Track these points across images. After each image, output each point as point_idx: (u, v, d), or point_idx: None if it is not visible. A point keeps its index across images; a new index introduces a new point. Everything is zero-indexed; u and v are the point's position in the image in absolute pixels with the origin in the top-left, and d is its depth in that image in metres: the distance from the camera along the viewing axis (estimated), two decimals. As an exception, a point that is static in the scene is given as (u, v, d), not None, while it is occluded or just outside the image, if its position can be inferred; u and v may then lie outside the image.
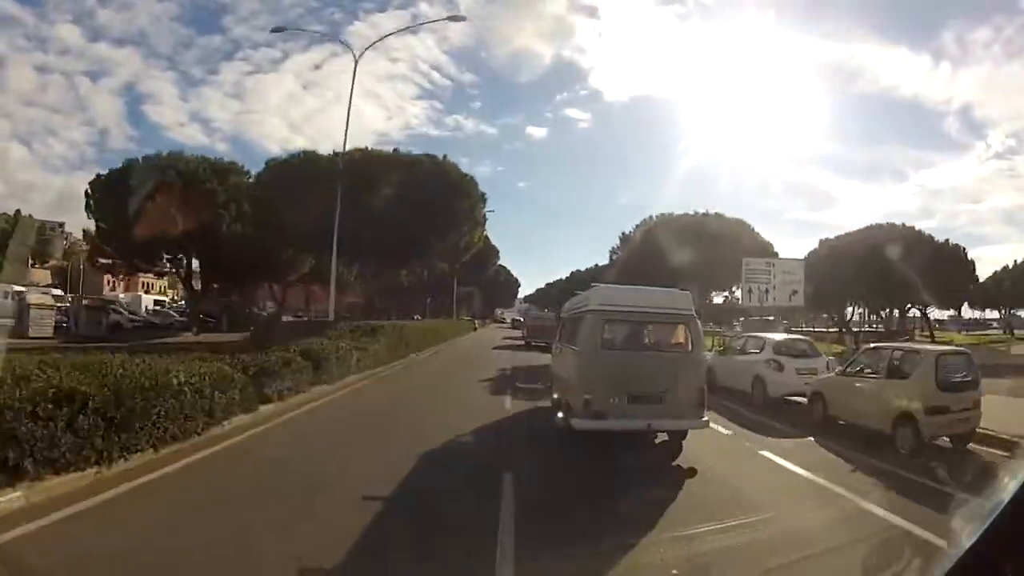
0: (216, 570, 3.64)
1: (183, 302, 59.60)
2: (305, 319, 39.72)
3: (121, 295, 50.50)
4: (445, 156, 27.37)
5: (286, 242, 27.89)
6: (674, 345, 7.82)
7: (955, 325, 58.07)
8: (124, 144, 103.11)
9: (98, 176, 29.63)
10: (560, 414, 8.52)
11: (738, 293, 34.21)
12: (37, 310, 24.19)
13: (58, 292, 45.59)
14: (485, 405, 10.88)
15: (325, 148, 30.41)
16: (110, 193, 27.07)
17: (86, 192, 29.04)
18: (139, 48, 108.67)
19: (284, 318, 35.76)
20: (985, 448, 7.91)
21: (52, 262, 66.04)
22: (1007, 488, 1.19)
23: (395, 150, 27.92)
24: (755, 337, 13.85)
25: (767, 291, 24.88)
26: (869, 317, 48.65)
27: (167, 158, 29.12)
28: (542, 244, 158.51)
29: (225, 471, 5.96)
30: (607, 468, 6.76)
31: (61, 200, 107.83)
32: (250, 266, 30.97)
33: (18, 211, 58.28)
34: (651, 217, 41.38)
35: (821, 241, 38.34)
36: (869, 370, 9.02)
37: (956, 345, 18.24)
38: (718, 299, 46.48)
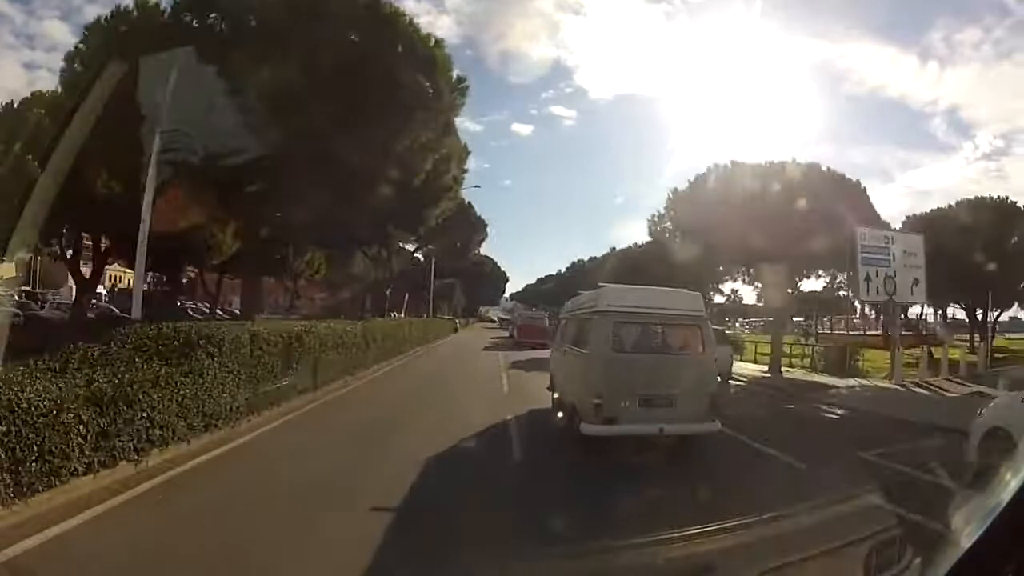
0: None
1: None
2: (194, 313, 32.42)
3: (101, 288, 49.55)
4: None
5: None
6: (685, 347, 7.74)
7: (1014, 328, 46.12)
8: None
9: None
10: (560, 414, 8.49)
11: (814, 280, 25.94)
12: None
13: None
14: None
15: None
16: None
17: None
18: None
19: (229, 312, 31.03)
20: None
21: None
22: (1007, 487, 1.19)
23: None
24: None
25: (887, 278, 17.67)
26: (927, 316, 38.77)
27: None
28: (528, 242, 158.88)
29: None
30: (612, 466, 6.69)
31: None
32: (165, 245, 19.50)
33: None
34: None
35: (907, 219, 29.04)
36: None
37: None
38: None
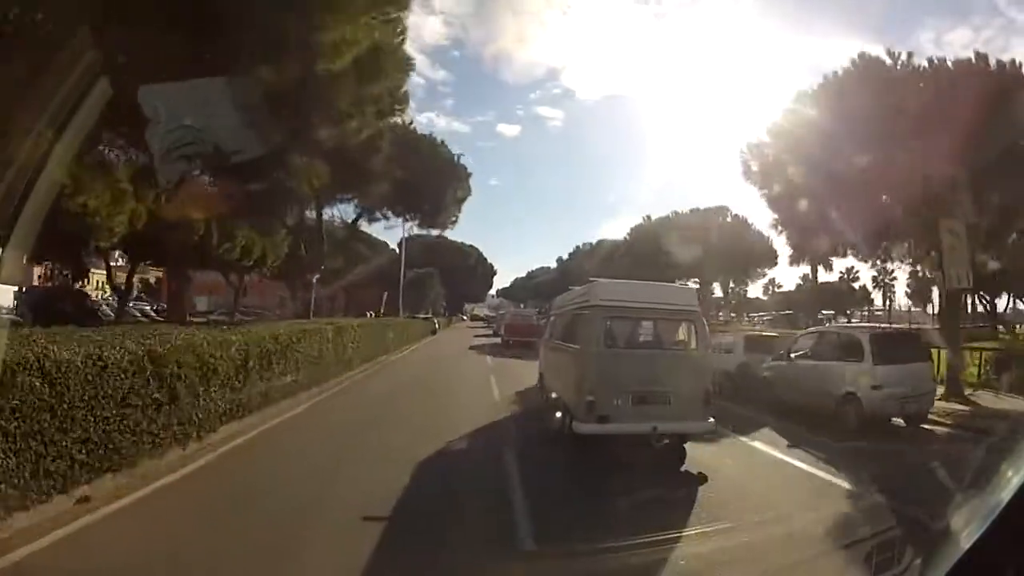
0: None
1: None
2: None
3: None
4: None
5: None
6: (678, 343, 7.57)
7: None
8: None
9: None
10: (559, 414, 8.39)
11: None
12: None
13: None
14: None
15: None
16: None
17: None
18: None
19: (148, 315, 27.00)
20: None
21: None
22: (1008, 487, 1.20)
23: None
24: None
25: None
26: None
27: None
28: (514, 240, 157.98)
29: None
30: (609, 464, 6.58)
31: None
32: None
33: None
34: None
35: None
36: None
37: None
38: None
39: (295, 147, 15.09)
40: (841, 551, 3.34)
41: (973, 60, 13.41)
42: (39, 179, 8.15)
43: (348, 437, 7.75)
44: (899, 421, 9.35)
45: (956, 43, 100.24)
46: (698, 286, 36.37)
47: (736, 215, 40.29)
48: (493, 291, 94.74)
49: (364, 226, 35.46)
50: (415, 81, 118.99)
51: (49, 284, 26.79)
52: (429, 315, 49.22)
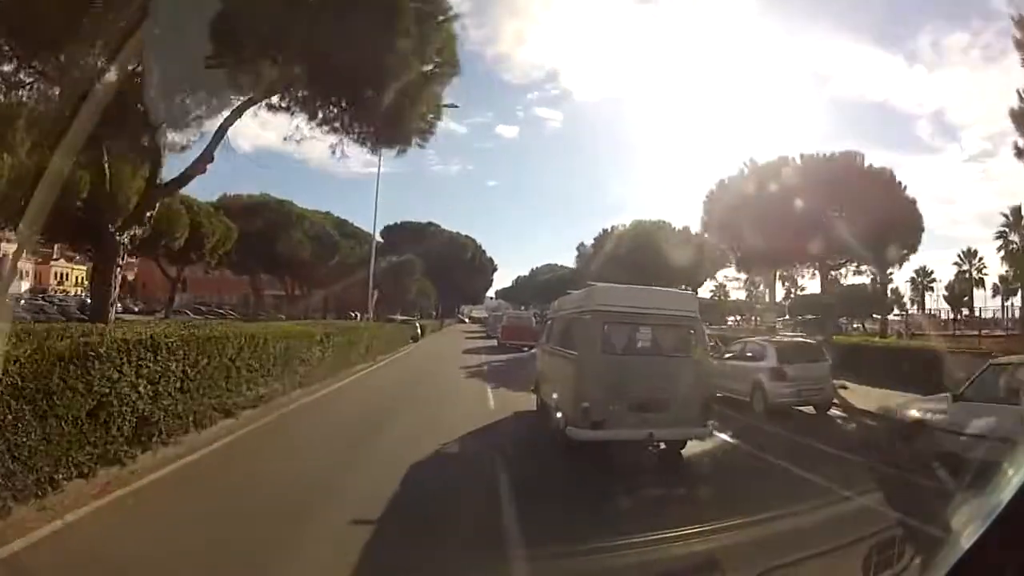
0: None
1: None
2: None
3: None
4: None
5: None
6: (676, 349, 7.47)
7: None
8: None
9: None
10: (559, 414, 8.39)
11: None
12: None
13: None
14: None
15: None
16: None
17: None
18: None
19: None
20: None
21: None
22: (1008, 486, 1.21)
23: None
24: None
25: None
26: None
27: None
28: (512, 242, 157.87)
29: None
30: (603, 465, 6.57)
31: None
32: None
33: None
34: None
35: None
36: None
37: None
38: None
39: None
40: (840, 550, 3.35)
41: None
42: None
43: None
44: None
45: (955, 47, 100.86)
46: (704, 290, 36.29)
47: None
48: (492, 292, 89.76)
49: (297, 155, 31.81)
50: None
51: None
52: (410, 317, 40.30)
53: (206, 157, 12.61)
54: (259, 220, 37.49)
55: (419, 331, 33.48)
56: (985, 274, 58.29)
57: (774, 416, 10.57)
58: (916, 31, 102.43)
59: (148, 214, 13.21)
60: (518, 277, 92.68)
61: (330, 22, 10.30)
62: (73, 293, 59.24)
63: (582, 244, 53.19)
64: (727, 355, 13.22)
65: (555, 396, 8.11)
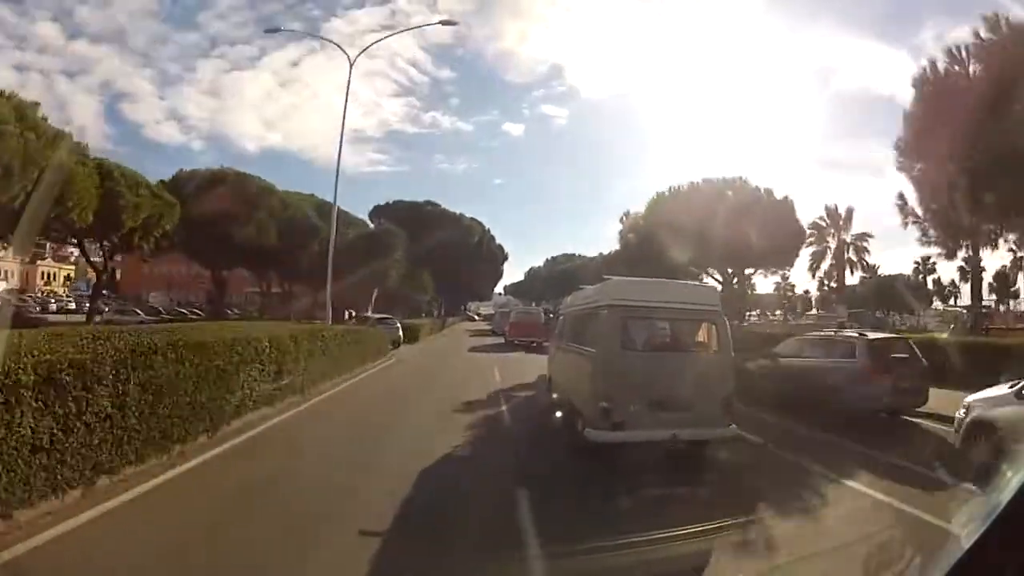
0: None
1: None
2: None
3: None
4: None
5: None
6: (698, 345, 7.23)
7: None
8: (101, 143, 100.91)
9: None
10: (559, 413, 8.15)
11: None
12: None
13: None
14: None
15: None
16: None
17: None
18: (117, 45, 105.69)
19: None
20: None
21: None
22: (1008, 487, 1.20)
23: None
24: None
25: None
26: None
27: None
28: (519, 240, 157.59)
29: None
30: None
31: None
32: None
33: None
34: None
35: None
36: None
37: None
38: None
39: None
40: (840, 550, 3.32)
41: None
42: None
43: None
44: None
45: (958, 41, 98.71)
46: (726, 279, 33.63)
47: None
48: (500, 288, 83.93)
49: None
50: (419, 80, 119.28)
51: None
52: (386, 316, 29.65)
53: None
54: (212, 197, 29.97)
55: (400, 336, 26.09)
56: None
57: (856, 424, 8.88)
58: (919, 26, 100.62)
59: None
60: (531, 269, 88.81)
61: None
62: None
63: (626, 213, 42.62)
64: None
65: (571, 396, 7.83)
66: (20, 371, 4.12)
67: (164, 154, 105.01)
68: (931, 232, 21.43)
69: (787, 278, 44.39)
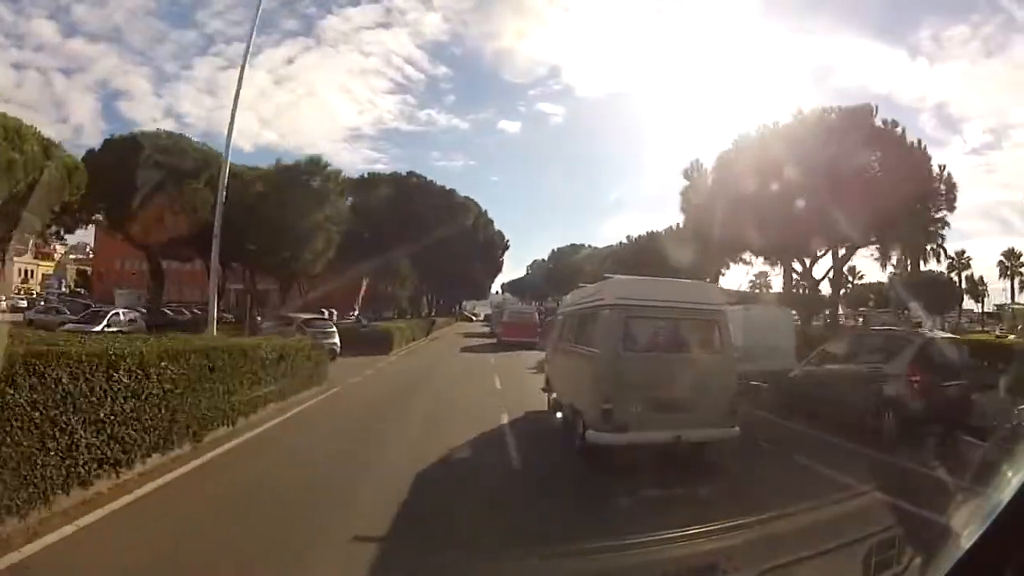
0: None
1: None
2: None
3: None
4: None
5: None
6: (702, 344, 7.09)
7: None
8: (98, 142, 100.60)
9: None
10: (559, 414, 8.09)
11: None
12: None
13: None
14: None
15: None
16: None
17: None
18: (114, 43, 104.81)
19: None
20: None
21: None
22: (1008, 487, 1.21)
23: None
24: None
25: None
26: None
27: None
28: (516, 237, 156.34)
29: None
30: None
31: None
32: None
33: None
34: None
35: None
36: None
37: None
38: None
39: None
40: (840, 550, 3.34)
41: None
42: None
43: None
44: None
45: (955, 39, 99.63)
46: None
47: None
48: (496, 287, 78.46)
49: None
50: (415, 77, 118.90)
51: None
52: (318, 316, 23.87)
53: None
54: (134, 164, 22.85)
55: (338, 346, 18.99)
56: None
57: (906, 441, 7.98)
58: (916, 25, 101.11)
59: None
60: (533, 262, 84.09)
61: None
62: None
63: (697, 160, 31.49)
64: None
65: (572, 398, 7.74)
66: None
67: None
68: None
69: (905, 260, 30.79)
